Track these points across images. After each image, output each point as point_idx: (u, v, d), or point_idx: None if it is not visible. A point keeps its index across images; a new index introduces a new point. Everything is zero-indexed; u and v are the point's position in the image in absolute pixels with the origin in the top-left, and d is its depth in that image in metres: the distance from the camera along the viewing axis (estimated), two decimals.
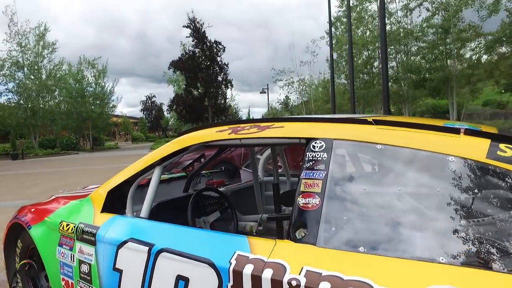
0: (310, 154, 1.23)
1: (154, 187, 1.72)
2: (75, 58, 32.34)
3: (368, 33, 20.70)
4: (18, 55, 26.65)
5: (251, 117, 51.16)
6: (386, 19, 11.48)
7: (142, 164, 1.80)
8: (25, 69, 27.04)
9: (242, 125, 1.62)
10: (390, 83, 13.96)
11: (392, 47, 17.95)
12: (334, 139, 1.23)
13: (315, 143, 1.25)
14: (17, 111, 26.15)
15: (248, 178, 3.37)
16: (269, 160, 3.29)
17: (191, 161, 3.35)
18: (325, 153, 1.20)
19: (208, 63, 26.30)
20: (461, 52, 16.11)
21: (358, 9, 20.48)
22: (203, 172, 3.16)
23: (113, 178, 1.92)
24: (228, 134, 1.58)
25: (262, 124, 1.56)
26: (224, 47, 26.89)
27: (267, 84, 28.50)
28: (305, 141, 1.30)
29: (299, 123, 1.46)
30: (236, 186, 3.01)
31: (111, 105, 34.70)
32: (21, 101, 27.12)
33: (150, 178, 1.76)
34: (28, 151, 24.28)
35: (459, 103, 17.03)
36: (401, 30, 17.81)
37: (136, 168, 1.81)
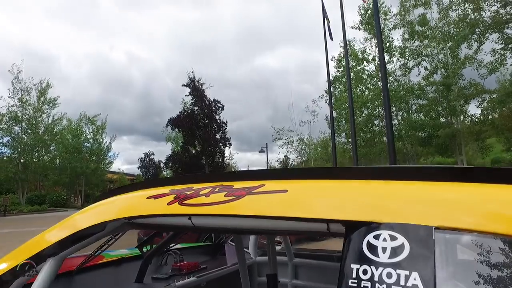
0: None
1: None
2: (78, 114, 32.68)
3: (367, 92, 20.81)
4: (18, 109, 26.78)
5: None
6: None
7: (23, 253, 1.12)
8: (23, 123, 26.97)
9: (196, 186, 0.92)
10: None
11: (393, 105, 17.79)
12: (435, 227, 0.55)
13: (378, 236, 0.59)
14: (7, 165, 25.42)
15: (234, 258, 2.45)
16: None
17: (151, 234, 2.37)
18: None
19: (207, 121, 26.37)
20: (465, 108, 15.85)
21: (355, 69, 20.84)
22: (173, 247, 2.28)
23: None
24: (168, 204, 0.89)
25: (237, 185, 0.85)
26: (223, 106, 27.21)
27: (266, 143, 28.13)
28: (345, 227, 0.64)
29: (327, 181, 0.78)
30: (216, 272, 2.13)
31: (107, 161, 34.29)
32: (14, 155, 26.59)
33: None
34: (13, 207, 22.99)
35: (468, 161, 16.30)
36: (401, 88, 17.85)
37: (15, 259, 1.11)
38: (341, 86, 23.35)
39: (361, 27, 20.02)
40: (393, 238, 0.56)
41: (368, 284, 0.54)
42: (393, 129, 17.63)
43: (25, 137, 26.91)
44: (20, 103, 26.70)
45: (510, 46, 12.35)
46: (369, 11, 18.45)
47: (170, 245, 2.31)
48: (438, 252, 0.52)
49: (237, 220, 0.81)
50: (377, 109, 20.39)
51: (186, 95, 27.04)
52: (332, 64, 23.66)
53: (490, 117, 15.27)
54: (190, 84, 26.54)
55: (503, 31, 12.29)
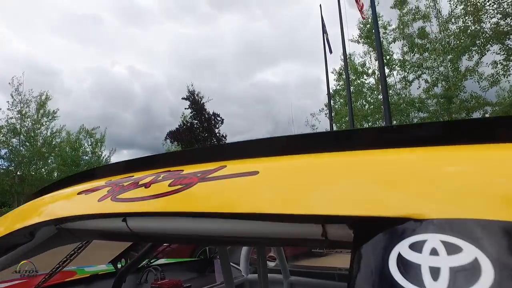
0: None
1: None
2: (77, 126, 32.72)
3: (367, 105, 20.69)
4: (17, 122, 26.75)
5: None
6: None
7: None
8: (21, 135, 26.87)
9: (138, 174, 0.67)
10: None
11: (394, 118, 17.63)
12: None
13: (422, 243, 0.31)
14: (3, 178, 25.18)
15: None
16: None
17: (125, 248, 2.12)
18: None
19: (206, 135, 26.20)
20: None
21: (355, 83, 20.78)
22: (155, 263, 2.04)
23: None
24: (98, 200, 0.63)
25: (188, 169, 0.61)
26: (223, 119, 27.14)
27: None
28: (353, 229, 0.38)
29: (319, 154, 0.49)
30: None
31: None
32: (11, 168, 26.38)
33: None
34: None
35: None
36: (402, 101, 17.72)
37: None
38: (341, 100, 23.28)
39: (361, 40, 20.08)
40: (452, 249, 0.29)
41: None
42: None
43: (23, 150, 26.68)
44: (19, 115, 26.65)
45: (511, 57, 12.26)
46: (368, 25, 18.53)
47: (152, 261, 2.06)
48: None
49: (182, 222, 0.54)
50: (377, 123, 20.20)
51: (185, 108, 27.01)
52: (332, 77, 23.74)
53: None
54: (189, 97, 26.56)
55: (504, 42, 12.21)
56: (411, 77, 17.47)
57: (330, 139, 0.52)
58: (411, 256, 0.30)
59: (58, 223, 0.72)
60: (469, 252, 0.28)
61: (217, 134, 26.77)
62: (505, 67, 12.60)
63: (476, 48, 13.40)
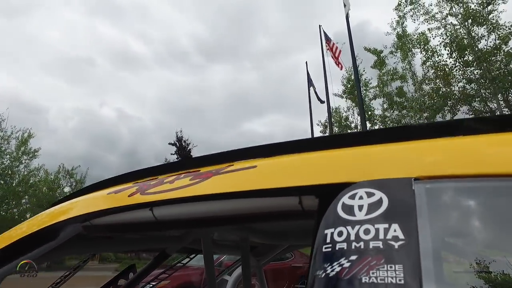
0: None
1: None
2: (58, 166, 31.80)
3: None
4: None
5: None
6: None
7: None
8: None
9: (162, 176, 0.84)
10: None
11: None
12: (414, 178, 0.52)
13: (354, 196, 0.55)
14: None
15: None
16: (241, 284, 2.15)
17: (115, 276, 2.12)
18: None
19: None
20: None
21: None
22: None
23: None
24: (128, 196, 0.79)
25: (204, 169, 0.78)
26: None
27: None
28: (318, 197, 0.59)
29: (301, 154, 0.72)
30: None
31: None
32: None
33: None
34: None
35: None
36: None
37: None
38: None
39: (344, 95, 21.31)
40: (370, 195, 0.52)
41: (344, 244, 0.48)
42: None
43: None
44: None
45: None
46: (351, 82, 19.84)
47: None
48: (419, 202, 0.48)
49: (203, 205, 0.72)
50: None
51: (171, 154, 27.01)
52: (318, 129, 24.62)
53: None
54: (176, 143, 26.74)
55: (471, 104, 13.28)
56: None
57: (302, 145, 0.74)
58: (349, 202, 0.52)
59: (86, 219, 0.83)
60: (377, 195, 0.51)
61: None
62: None
63: (448, 108, 14.47)
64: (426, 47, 15.00)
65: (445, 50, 13.71)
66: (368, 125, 18.59)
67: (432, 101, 15.50)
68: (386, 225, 0.47)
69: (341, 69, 15.60)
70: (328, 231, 0.50)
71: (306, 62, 22.15)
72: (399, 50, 17.75)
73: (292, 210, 0.64)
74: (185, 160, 0.76)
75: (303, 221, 0.67)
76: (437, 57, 14.43)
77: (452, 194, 0.52)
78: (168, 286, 4.54)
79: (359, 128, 20.05)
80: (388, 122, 18.55)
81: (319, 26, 17.08)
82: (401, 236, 0.45)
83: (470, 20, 13.50)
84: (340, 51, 14.67)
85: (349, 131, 21.62)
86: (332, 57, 15.06)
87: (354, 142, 0.68)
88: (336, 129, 21.10)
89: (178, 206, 0.71)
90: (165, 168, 0.88)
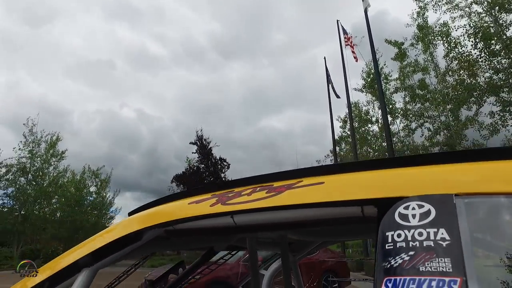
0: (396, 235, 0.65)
1: None
2: (82, 167, 33.00)
3: (372, 152, 21.08)
4: (27, 161, 27.12)
5: None
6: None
7: (58, 264, 1.13)
8: (30, 174, 27.13)
9: (238, 189, 0.99)
10: None
11: None
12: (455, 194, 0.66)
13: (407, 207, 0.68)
14: (7, 216, 25.01)
15: None
16: (279, 276, 2.28)
17: (164, 272, 2.31)
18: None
19: (212, 179, 26.35)
20: None
21: (360, 130, 21.39)
22: None
23: None
24: (210, 206, 0.95)
25: (277, 184, 0.93)
26: (229, 164, 27.45)
27: None
28: (378, 207, 0.72)
29: (361, 172, 0.86)
30: None
31: (108, 216, 33.68)
32: (15, 206, 26.31)
33: None
34: (4, 262, 22.04)
35: None
36: (405, 148, 18.09)
37: (47, 271, 1.13)
38: (347, 146, 23.78)
39: (364, 90, 21.04)
40: (420, 206, 0.65)
41: (403, 243, 0.62)
42: None
43: (29, 189, 26.85)
44: (29, 155, 27.18)
45: (507, 108, 12.81)
46: (371, 75, 19.56)
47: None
48: (459, 213, 0.63)
49: (278, 213, 0.88)
50: None
51: (193, 152, 27.46)
52: (338, 124, 24.48)
53: None
54: (197, 142, 27.16)
55: (499, 94, 12.85)
56: (413, 125, 18.01)
57: (364, 165, 0.88)
58: (404, 211, 0.66)
59: (169, 225, 0.99)
60: (426, 207, 0.64)
61: (223, 179, 26.97)
62: (502, 118, 13.12)
63: (474, 99, 14.07)
64: (448, 39, 14.60)
65: (469, 41, 13.33)
66: (390, 118, 18.32)
67: (456, 93, 15.09)
68: (435, 229, 0.61)
69: (356, 61, 15.43)
70: (389, 233, 0.64)
71: (325, 58, 22.04)
72: (420, 42, 17.35)
73: (354, 217, 0.80)
74: (257, 177, 0.85)
75: (362, 224, 0.80)
76: (461, 48, 14.03)
77: (484, 207, 0.68)
78: (202, 281, 4.75)
79: (380, 121, 19.78)
80: (410, 115, 18.21)
81: (337, 21, 16.95)
82: (447, 238, 0.60)
83: (497, 7, 13.04)
84: (355, 45, 14.57)
85: (369, 125, 21.35)
86: (352, 52, 14.98)
87: (404, 163, 0.82)
88: (356, 124, 20.87)
89: (257, 214, 0.86)
90: (239, 182, 1.02)
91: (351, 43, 15.58)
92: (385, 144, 16.33)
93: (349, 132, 21.19)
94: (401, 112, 18.91)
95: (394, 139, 19.13)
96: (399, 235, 0.63)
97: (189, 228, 1.03)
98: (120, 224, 1.13)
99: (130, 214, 1.19)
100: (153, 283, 2.15)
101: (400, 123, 19.39)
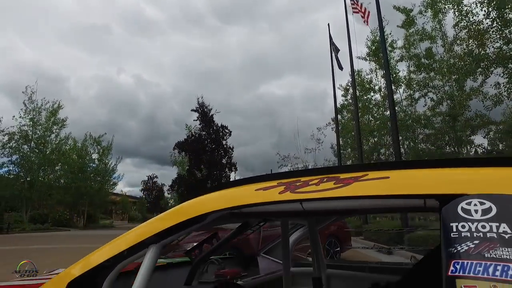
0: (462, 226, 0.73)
1: (146, 276, 1.10)
2: (83, 134, 33.07)
3: (373, 121, 21.16)
4: (29, 129, 27.12)
5: None
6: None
7: (127, 241, 1.22)
8: (32, 142, 27.28)
9: (304, 178, 1.04)
10: None
11: (400, 134, 18.04)
12: None
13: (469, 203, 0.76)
14: (13, 183, 25.50)
15: (268, 268, 2.61)
16: (299, 244, 2.49)
17: (197, 243, 2.50)
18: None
19: (214, 146, 26.58)
20: (471, 139, 16.07)
21: (362, 99, 21.31)
22: (212, 258, 2.39)
23: (79, 263, 1.29)
24: (279, 193, 1.01)
25: (343, 176, 0.99)
26: (230, 131, 27.54)
27: (271, 169, 28.12)
28: (439, 201, 0.80)
29: (423, 169, 0.95)
30: (258, 278, 2.27)
31: (111, 183, 34.34)
32: (21, 173, 26.69)
33: (139, 264, 1.14)
34: (16, 225, 22.91)
35: None
36: (408, 118, 18.15)
37: (117, 247, 1.22)
38: (348, 114, 23.76)
39: (368, 58, 20.70)
40: (482, 204, 0.73)
41: (468, 233, 0.70)
42: (400, 157, 17.86)
43: (33, 156, 27.15)
44: (31, 122, 27.16)
45: None
46: (376, 43, 19.16)
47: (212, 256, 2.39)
48: None
49: (345, 202, 0.97)
50: (383, 138, 20.64)
51: (194, 120, 27.43)
52: (340, 92, 24.29)
53: (496, 148, 15.44)
54: (199, 109, 27.05)
55: (507, 65, 12.71)
56: (417, 95, 17.95)
57: (427, 163, 0.99)
58: (466, 206, 0.73)
59: (237, 208, 1.08)
60: (487, 204, 0.71)
61: (224, 146, 27.19)
62: (508, 90, 13.09)
63: (481, 69, 13.92)
64: (460, 7, 14.14)
65: (481, 10, 12.91)
66: (393, 88, 18.21)
67: (463, 63, 14.90)
68: (497, 224, 0.69)
69: (367, 25, 15.04)
70: (453, 224, 0.73)
71: (328, 24, 21.39)
72: (429, 9, 16.82)
73: (416, 207, 0.91)
74: (321, 168, 0.94)
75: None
76: (472, 17, 13.63)
77: None
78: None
79: (383, 90, 19.68)
80: (414, 85, 18.09)
81: None
82: (509, 231, 0.68)
83: None
84: (369, 12, 14.18)
85: (372, 93, 21.26)
86: (362, 17, 14.60)
87: (464, 164, 0.91)
88: (358, 93, 20.75)
89: (323, 202, 0.98)
90: (304, 172, 1.11)
91: (360, 7, 15.14)
92: (387, 113, 16.38)
93: (351, 101, 21.14)
94: (405, 81, 18.75)
95: (396, 108, 19.10)
96: (463, 226, 0.72)
97: (256, 212, 1.15)
98: (186, 207, 1.22)
99: (200, 194, 1.29)
100: (189, 251, 2.35)
101: (403, 93, 19.31)
